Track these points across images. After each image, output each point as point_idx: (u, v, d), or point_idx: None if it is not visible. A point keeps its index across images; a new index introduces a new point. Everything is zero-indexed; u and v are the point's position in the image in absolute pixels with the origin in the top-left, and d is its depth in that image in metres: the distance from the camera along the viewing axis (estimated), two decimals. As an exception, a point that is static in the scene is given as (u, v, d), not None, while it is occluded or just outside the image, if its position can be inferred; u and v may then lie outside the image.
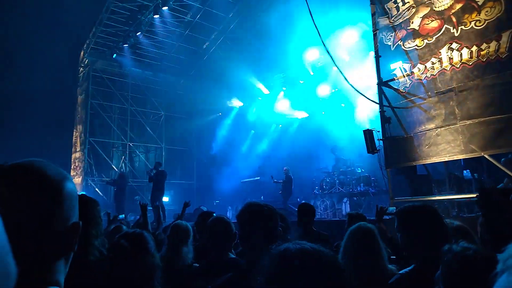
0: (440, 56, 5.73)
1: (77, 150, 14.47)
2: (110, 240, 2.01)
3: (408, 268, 1.97)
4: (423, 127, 5.99)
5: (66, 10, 11.37)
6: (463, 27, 5.41)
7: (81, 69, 14.98)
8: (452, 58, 5.54)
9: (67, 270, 0.71)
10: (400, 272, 2.01)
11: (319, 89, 12.82)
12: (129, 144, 15.09)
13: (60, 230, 0.68)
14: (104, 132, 14.89)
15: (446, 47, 5.63)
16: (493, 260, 1.43)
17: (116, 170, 14.49)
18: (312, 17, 6.46)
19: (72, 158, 14.75)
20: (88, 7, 12.36)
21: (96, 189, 13.61)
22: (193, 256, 3.00)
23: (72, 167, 14.57)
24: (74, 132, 14.92)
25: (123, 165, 14.92)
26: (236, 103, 15.44)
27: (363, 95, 6.83)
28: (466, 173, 7.45)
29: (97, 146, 14.04)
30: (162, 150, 15.92)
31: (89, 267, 1.71)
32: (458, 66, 5.47)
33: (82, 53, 14.76)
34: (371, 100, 6.87)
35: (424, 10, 5.96)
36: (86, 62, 14.70)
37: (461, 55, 5.43)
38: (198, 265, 2.78)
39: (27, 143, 12.20)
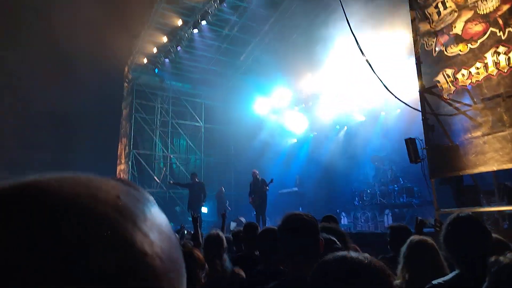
0: (485, 61, 5.47)
1: (122, 162, 15.09)
2: None
3: (450, 275, 1.93)
4: (469, 135, 5.72)
5: (111, 29, 12.04)
6: (511, 29, 5.15)
7: (126, 84, 15.69)
8: (498, 63, 5.27)
9: None
10: (443, 279, 1.97)
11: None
12: (169, 156, 15.54)
13: None
14: (147, 144, 15.46)
15: (491, 51, 5.37)
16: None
17: (158, 181, 14.94)
18: (349, 23, 6.41)
19: (117, 170, 15.39)
20: (131, 23, 13.01)
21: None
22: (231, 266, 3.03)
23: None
24: (119, 145, 15.59)
25: (164, 176, 15.35)
26: (272, 112, 15.48)
27: (405, 103, 6.65)
28: (517, 183, 7.02)
29: (140, 158, 14.58)
30: (201, 161, 16.25)
31: None
32: (505, 70, 5.20)
33: (126, 68, 15.49)
34: (413, 108, 6.67)
35: (467, 14, 5.74)
36: (130, 78, 15.40)
37: (508, 59, 5.16)
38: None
39: (80, 157, 12.87)
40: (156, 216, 0.39)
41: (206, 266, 2.43)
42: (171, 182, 13.15)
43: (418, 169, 9.22)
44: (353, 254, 1.07)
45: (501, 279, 1.38)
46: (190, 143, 16.26)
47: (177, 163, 16.22)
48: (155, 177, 15.07)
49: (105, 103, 14.21)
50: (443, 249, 2.03)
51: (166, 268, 0.35)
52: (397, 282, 2.17)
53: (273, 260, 2.37)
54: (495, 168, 5.42)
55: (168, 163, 15.62)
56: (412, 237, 2.32)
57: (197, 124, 16.57)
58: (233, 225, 11.25)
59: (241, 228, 4.22)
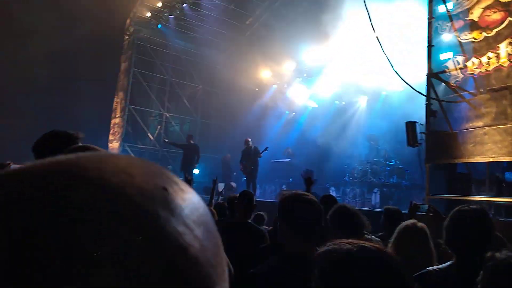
0: (498, 51, 5.41)
1: (117, 116, 14.94)
2: None
3: (446, 264, 1.98)
4: (470, 124, 5.75)
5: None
6: (529, 21, 5.07)
7: (126, 37, 15.27)
8: (512, 55, 5.23)
9: None
10: (439, 266, 2.02)
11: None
12: (166, 114, 15.42)
13: None
14: (143, 101, 15.26)
15: (506, 41, 5.30)
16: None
17: (152, 138, 14.91)
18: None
19: (111, 123, 15.26)
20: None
21: (132, 154, 14.09)
22: None
23: (111, 132, 15.10)
24: (115, 98, 15.38)
25: (158, 134, 15.31)
26: (273, 81, 15.31)
27: (410, 86, 6.61)
28: (508, 175, 7.14)
29: (136, 114, 14.45)
30: (196, 123, 16.18)
31: None
32: (518, 63, 5.16)
33: (128, 20, 15.02)
34: (418, 92, 6.64)
35: (487, 1, 5.60)
36: (131, 31, 14.97)
37: (523, 51, 5.11)
38: None
39: (72, 103, 12.73)
40: (201, 208, 0.33)
41: None
42: (167, 141, 13.15)
43: (412, 152, 9.35)
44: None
45: (496, 275, 1.42)
46: (187, 104, 16.10)
47: (173, 122, 16.12)
48: (150, 134, 15.01)
49: (104, 54, 13.89)
50: (442, 237, 2.07)
51: (217, 275, 0.31)
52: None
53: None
54: (491, 160, 5.50)
55: (164, 122, 15.51)
56: (406, 221, 2.36)
57: (196, 85, 16.34)
58: (220, 186, 11.33)
59: (236, 194, 4.32)
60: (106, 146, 14.31)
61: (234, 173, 13.38)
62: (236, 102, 15.73)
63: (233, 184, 12.07)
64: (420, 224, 2.36)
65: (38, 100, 12.93)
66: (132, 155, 13.58)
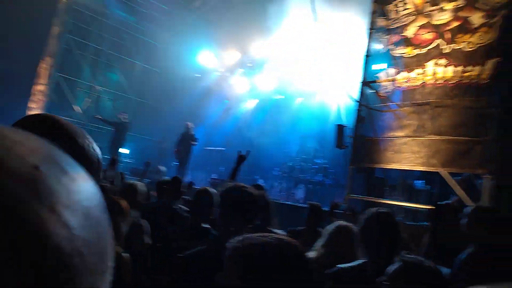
0: (425, 69, 5.86)
1: (42, 82, 13.70)
2: None
3: (357, 262, 2.10)
4: (393, 134, 6.17)
5: None
6: (455, 45, 5.54)
7: (61, -2, 14.02)
8: (436, 74, 5.69)
9: None
10: (350, 264, 2.13)
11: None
12: (97, 87, 14.48)
13: None
14: (74, 70, 14.16)
15: (433, 61, 5.76)
16: (439, 275, 1.52)
17: (79, 111, 13.95)
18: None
19: (34, 90, 13.97)
20: None
21: (55, 126, 13.05)
22: None
23: (32, 98, 13.82)
24: (41, 63, 14.08)
25: (87, 107, 14.37)
26: (216, 68, 15.13)
27: (346, 92, 6.91)
28: (418, 182, 7.85)
29: (64, 83, 13.38)
30: (131, 101, 15.43)
31: None
32: (440, 82, 5.63)
33: (65, -19, 13.80)
34: (350, 97, 6.97)
35: (422, 20, 6.03)
36: (68, -8, 13.78)
37: (445, 72, 5.58)
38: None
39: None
40: (85, 193, 0.29)
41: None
42: (99, 117, 12.39)
43: (339, 154, 9.86)
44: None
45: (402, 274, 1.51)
46: (123, 79, 15.27)
47: (104, 97, 15.17)
48: (77, 106, 14.01)
49: (36, 14, 12.60)
50: (357, 237, 2.20)
51: (87, 267, 0.27)
52: (312, 254, 2.32)
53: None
54: (407, 168, 5.97)
55: (95, 95, 14.57)
56: (340, 222, 2.50)
57: (134, 61, 15.53)
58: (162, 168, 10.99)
59: (165, 178, 4.37)
60: (24, 114, 13.11)
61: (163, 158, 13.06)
62: (175, 84, 15.29)
63: (162, 168, 11.76)
64: (349, 224, 2.49)
65: None
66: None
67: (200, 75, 15.43)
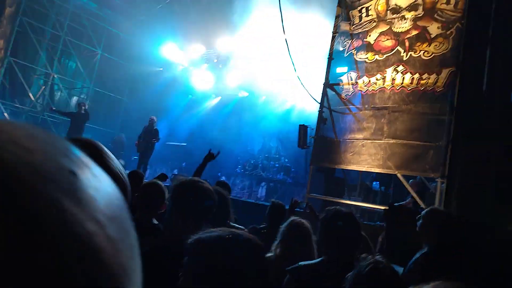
0: (384, 75, 6.09)
1: (-8, 67, 12.86)
2: None
3: (317, 260, 2.15)
4: (352, 136, 6.36)
5: None
6: (412, 53, 5.79)
7: (16, -23, 13.18)
8: (395, 80, 5.92)
9: None
10: (310, 262, 2.17)
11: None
12: (53, 75, 13.79)
13: None
14: (28, 55, 13.38)
15: (392, 67, 5.99)
16: (397, 276, 1.59)
17: (33, 99, 13.23)
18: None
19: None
20: None
21: (5, 114, 12.31)
22: None
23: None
24: (-8, 46, 13.20)
25: (41, 95, 13.66)
26: (180, 61, 14.87)
27: (309, 93, 7.03)
28: (375, 184, 8.17)
29: (17, 68, 12.63)
30: (89, 91, 14.83)
31: None
32: (397, 88, 5.87)
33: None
34: (313, 98, 7.10)
35: (383, 27, 6.25)
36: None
37: (403, 78, 5.82)
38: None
39: None
40: (117, 201, 0.27)
41: None
42: (53, 108, 11.81)
43: (301, 153, 10.04)
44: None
45: (362, 275, 1.56)
46: (80, 67, 14.62)
47: (60, 85, 14.46)
48: (30, 94, 13.27)
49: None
50: (318, 235, 2.24)
51: (131, 280, 0.25)
52: (270, 255, 2.35)
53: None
54: (364, 169, 6.18)
55: (50, 83, 13.84)
56: (293, 218, 2.52)
57: (93, 49, 14.90)
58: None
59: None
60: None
61: (122, 152, 12.71)
62: (137, 76, 14.88)
63: (121, 162, 11.44)
64: (305, 222, 2.52)
65: None
66: (6, 115, 11.90)
67: (162, 69, 15.11)
